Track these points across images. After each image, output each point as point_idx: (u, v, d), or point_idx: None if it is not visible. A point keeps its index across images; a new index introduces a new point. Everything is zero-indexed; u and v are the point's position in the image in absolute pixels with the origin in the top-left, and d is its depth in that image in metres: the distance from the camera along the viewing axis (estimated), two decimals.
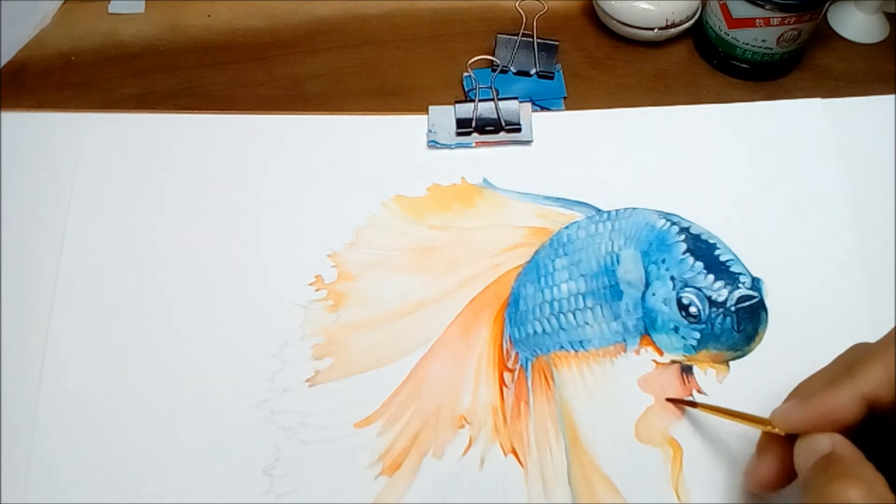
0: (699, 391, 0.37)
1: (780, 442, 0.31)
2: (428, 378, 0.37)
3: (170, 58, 0.48)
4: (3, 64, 0.47)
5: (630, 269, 0.40)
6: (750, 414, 0.33)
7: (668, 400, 0.37)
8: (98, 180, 0.42)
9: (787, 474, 0.31)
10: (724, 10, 0.46)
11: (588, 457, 0.35)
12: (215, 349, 0.38)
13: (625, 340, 0.38)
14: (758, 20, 0.45)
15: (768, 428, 0.32)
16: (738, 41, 0.46)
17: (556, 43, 0.48)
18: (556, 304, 0.39)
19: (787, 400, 0.31)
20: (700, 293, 0.39)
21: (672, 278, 0.39)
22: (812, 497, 0.27)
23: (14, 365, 0.37)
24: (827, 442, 0.28)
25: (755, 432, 0.33)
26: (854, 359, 0.30)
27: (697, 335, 0.38)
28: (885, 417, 0.28)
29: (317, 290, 0.39)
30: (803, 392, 0.31)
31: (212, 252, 0.40)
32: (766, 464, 0.31)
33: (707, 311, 0.38)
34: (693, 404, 0.36)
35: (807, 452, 0.29)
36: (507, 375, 0.38)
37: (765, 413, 0.32)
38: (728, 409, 0.34)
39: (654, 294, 0.39)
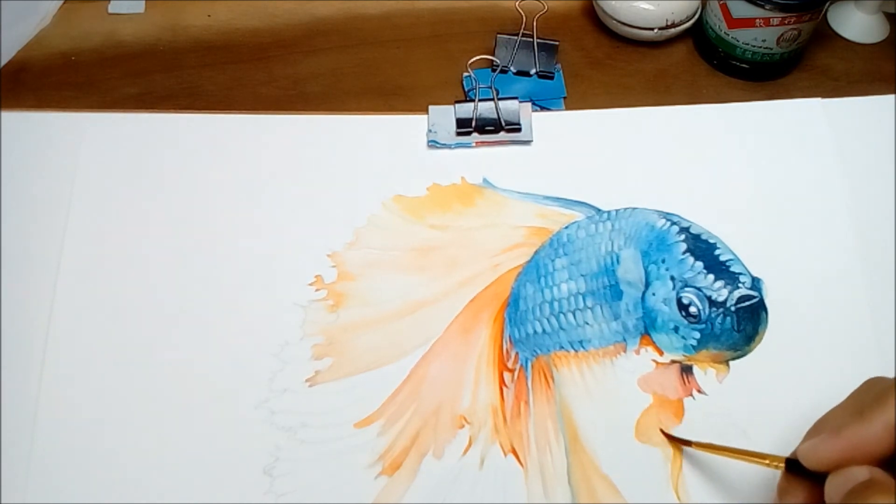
0: (699, 391, 0.37)
1: (801, 483, 0.30)
2: (428, 378, 0.37)
3: (170, 58, 0.48)
4: (3, 64, 0.47)
5: (630, 269, 0.40)
6: (751, 451, 0.32)
7: (665, 436, 0.36)
8: (98, 180, 0.42)
9: None
10: (724, 10, 0.46)
11: (588, 457, 0.35)
12: (215, 349, 0.38)
13: (625, 340, 0.38)
14: (758, 20, 0.45)
15: (766, 463, 0.31)
16: (738, 41, 0.46)
17: (556, 43, 0.48)
18: (555, 304, 0.39)
19: (808, 436, 0.30)
20: (700, 293, 0.39)
21: (672, 278, 0.39)
22: None
23: (14, 365, 0.37)
24: (864, 472, 0.27)
25: (756, 431, 0.33)
26: (880, 389, 0.29)
27: (697, 335, 0.38)
28: None
29: (317, 290, 0.39)
30: (824, 427, 0.30)
31: (212, 252, 0.40)
32: None
33: (707, 311, 0.38)
34: (688, 443, 0.35)
35: (842, 485, 0.27)
36: (506, 375, 0.37)
37: (768, 418, 0.32)
38: (727, 447, 0.33)
39: (654, 294, 0.39)
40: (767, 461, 0.31)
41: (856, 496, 0.27)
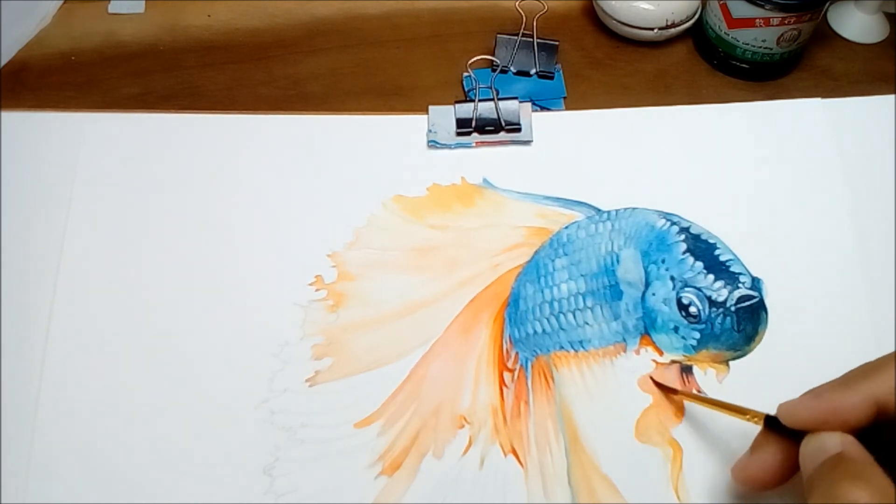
0: (699, 391, 0.37)
1: (777, 440, 0.31)
2: (428, 378, 0.37)
3: (170, 58, 0.48)
4: (3, 64, 0.47)
5: (630, 269, 0.40)
6: (733, 404, 0.33)
7: (655, 383, 0.37)
8: (98, 180, 0.42)
9: (781, 474, 0.31)
10: (724, 10, 0.46)
11: (588, 457, 0.35)
12: (215, 349, 0.38)
13: (625, 340, 0.38)
14: (758, 20, 0.45)
15: (746, 417, 0.32)
16: (738, 41, 0.46)
17: (556, 43, 0.48)
18: (555, 304, 0.39)
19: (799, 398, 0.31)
20: (700, 293, 0.39)
21: (672, 278, 0.39)
22: (818, 497, 0.27)
23: (14, 365, 0.37)
24: (836, 441, 0.28)
25: (756, 431, 0.33)
26: (868, 365, 0.30)
27: (697, 335, 0.38)
28: (894, 424, 0.28)
29: (317, 290, 0.39)
30: (815, 393, 0.31)
31: (211, 252, 0.40)
32: (760, 460, 0.31)
33: (707, 311, 0.38)
34: (675, 391, 0.36)
35: (815, 451, 0.28)
36: (506, 375, 0.37)
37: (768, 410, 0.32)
38: (712, 398, 0.35)
39: (653, 294, 0.39)
40: (748, 416, 0.32)
41: (827, 473, 0.27)
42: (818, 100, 0.45)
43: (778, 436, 0.31)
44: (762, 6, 0.44)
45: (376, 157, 0.43)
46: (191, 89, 0.47)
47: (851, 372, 0.31)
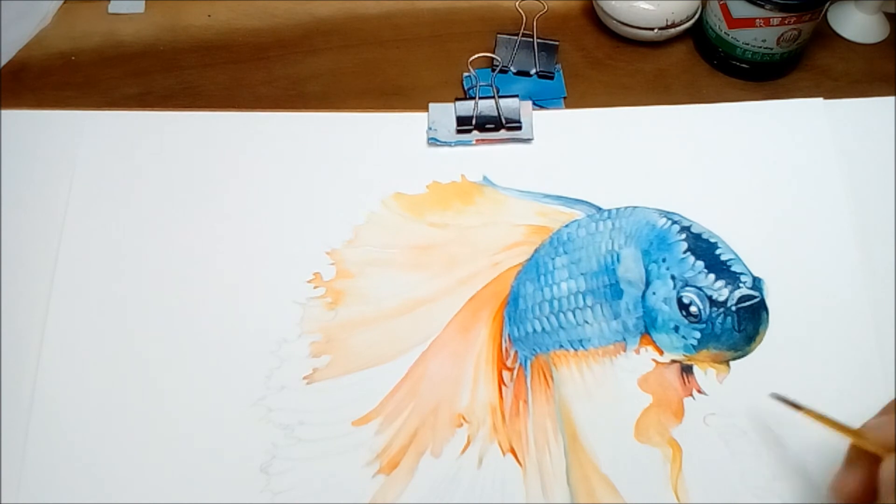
0: (699, 391, 0.37)
1: (870, 455, 0.30)
2: (426, 376, 0.37)
3: (170, 58, 0.48)
4: (3, 64, 0.47)
5: (630, 268, 0.40)
6: (845, 424, 0.31)
7: (774, 396, 0.34)
8: (96, 178, 0.42)
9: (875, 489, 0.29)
10: (724, 10, 0.46)
11: (587, 456, 0.35)
12: (213, 346, 0.38)
13: (625, 339, 0.38)
14: (758, 20, 0.45)
15: (861, 442, 0.30)
16: (738, 41, 0.46)
17: (556, 43, 0.48)
18: (555, 303, 0.39)
19: (880, 414, 0.30)
20: (701, 292, 0.38)
21: (672, 277, 0.39)
22: None
23: (10, 362, 0.37)
24: None
25: (756, 432, 0.33)
26: None
27: (698, 335, 0.38)
28: None
29: (315, 288, 0.39)
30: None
31: (210, 249, 0.40)
32: (854, 477, 0.30)
33: (708, 311, 0.38)
34: (798, 408, 0.33)
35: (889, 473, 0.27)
36: (505, 374, 0.37)
37: (769, 418, 0.31)
38: (825, 416, 0.32)
39: (654, 293, 0.39)
40: (863, 440, 0.30)
41: None
42: (819, 100, 0.45)
43: (868, 451, 0.30)
44: (762, 6, 0.44)
45: (376, 154, 0.43)
46: (191, 89, 0.47)
47: None
